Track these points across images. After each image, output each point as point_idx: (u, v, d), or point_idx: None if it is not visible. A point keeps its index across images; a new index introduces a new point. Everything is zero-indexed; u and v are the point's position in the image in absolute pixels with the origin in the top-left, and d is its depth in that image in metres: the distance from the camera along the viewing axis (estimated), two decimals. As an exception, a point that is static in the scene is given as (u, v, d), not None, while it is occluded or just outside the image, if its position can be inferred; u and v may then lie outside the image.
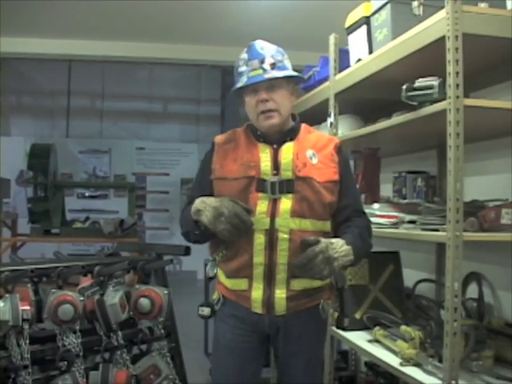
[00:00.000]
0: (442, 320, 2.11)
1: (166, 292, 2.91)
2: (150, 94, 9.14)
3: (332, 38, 3.07)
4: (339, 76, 2.98)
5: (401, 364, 2.28)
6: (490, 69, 2.51)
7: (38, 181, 5.80)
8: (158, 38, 6.47)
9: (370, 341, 2.67)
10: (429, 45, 2.12)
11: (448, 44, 1.97)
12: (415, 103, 2.20)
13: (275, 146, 2.19)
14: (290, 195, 2.11)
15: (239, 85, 2.18)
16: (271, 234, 2.11)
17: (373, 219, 2.61)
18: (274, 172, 2.13)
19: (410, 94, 2.18)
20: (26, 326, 2.47)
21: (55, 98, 8.91)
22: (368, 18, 2.69)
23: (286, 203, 2.11)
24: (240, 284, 2.18)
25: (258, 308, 2.16)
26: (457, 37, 1.96)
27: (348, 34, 2.91)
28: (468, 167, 2.19)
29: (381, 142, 3.00)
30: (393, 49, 2.40)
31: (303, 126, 2.31)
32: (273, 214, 2.11)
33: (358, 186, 2.87)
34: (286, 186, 2.11)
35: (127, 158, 9.12)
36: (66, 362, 2.59)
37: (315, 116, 3.36)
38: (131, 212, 6.18)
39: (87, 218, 6.43)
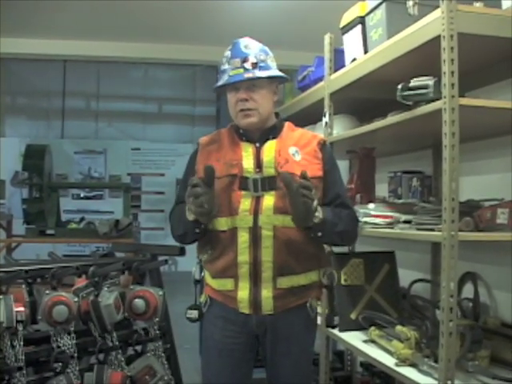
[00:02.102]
0: (437, 320, 2.11)
1: (160, 293, 2.90)
2: (145, 94, 9.10)
3: (327, 38, 3.07)
4: (334, 76, 2.98)
5: (396, 364, 2.28)
6: (485, 68, 2.51)
7: (33, 182, 5.78)
8: (152, 38, 6.46)
9: (365, 341, 2.67)
10: (424, 44, 2.12)
11: (443, 43, 1.97)
12: (410, 103, 2.20)
13: (257, 145, 2.21)
14: (273, 192, 2.12)
15: (220, 83, 2.21)
16: (255, 232, 2.12)
17: (368, 219, 2.61)
18: (257, 170, 2.16)
19: (405, 93, 2.18)
20: (20, 328, 2.46)
21: (50, 99, 8.88)
22: (363, 17, 2.69)
23: (268, 200, 2.12)
24: (226, 284, 2.18)
25: (245, 308, 2.16)
26: (452, 36, 1.95)
27: (343, 33, 2.91)
28: (463, 167, 2.19)
29: (376, 142, 3.00)
30: (388, 48, 2.39)
31: (287, 124, 2.33)
32: (256, 211, 2.12)
33: (346, 185, 2.89)
34: (269, 183, 2.13)
35: (122, 159, 9.09)
36: (60, 364, 2.58)
37: (310, 116, 3.36)
38: (126, 212, 6.16)
39: (82, 219, 6.41)
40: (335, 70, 3.01)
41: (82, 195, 8.88)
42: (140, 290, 2.91)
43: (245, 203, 2.13)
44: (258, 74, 2.16)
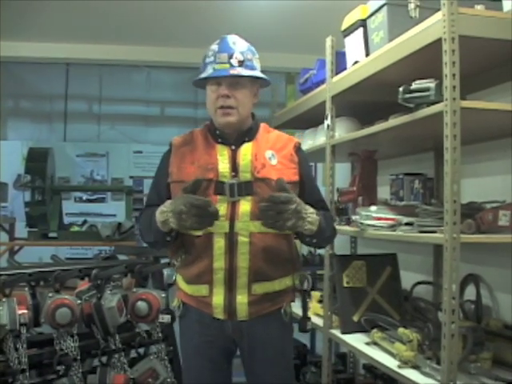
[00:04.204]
0: (439, 322, 2.11)
1: (163, 295, 2.91)
2: (147, 97, 9.10)
3: (329, 41, 3.07)
4: (336, 78, 2.98)
5: (399, 366, 2.28)
6: (486, 70, 2.51)
7: (35, 185, 5.77)
8: (155, 42, 6.46)
9: (368, 343, 2.67)
10: (425, 47, 2.12)
11: (444, 46, 1.97)
12: (412, 105, 2.19)
13: (233, 147, 2.18)
14: (249, 197, 2.10)
15: (203, 75, 2.18)
16: (231, 238, 2.10)
17: (370, 221, 2.61)
18: (233, 174, 2.12)
19: (406, 96, 2.18)
20: (24, 330, 2.47)
21: (53, 102, 8.87)
22: (364, 20, 2.69)
23: (245, 206, 2.10)
24: (200, 290, 2.15)
25: (219, 314, 2.14)
26: (453, 39, 1.95)
27: (344, 36, 2.91)
28: (465, 169, 2.19)
29: (378, 145, 3.00)
30: (389, 51, 2.40)
31: (262, 125, 2.31)
32: (232, 217, 2.10)
33: (348, 188, 2.89)
34: (245, 188, 2.10)
35: (125, 162, 9.08)
36: (63, 366, 2.59)
37: (312, 118, 3.37)
38: (128, 215, 6.16)
39: (85, 222, 6.41)
40: (337, 73, 3.01)
41: (84, 198, 8.87)
42: (143, 292, 2.92)
43: (221, 208, 2.08)
44: (244, 72, 2.14)
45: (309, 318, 2.34)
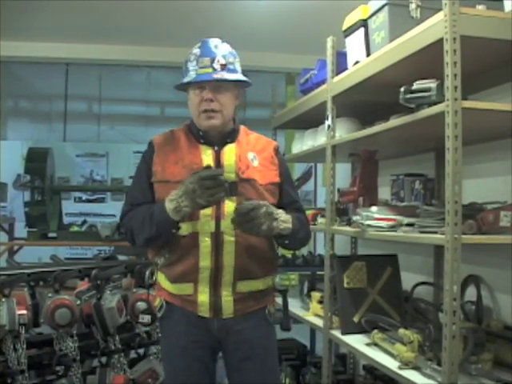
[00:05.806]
0: (440, 323, 2.10)
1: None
2: (147, 97, 9.11)
3: (329, 41, 3.06)
4: (337, 79, 2.98)
5: (399, 367, 2.27)
6: (488, 71, 2.50)
7: (35, 185, 5.78)
8: (155, 42, 6.46)
9: (368, 344, 2.66)
10: (427, 47, 2.12)
11: (446, 46, 1.96)
12: (413, 105, 2.19)
13: (216, 148, 2.20)
14: (234, 198, 2.12)
15: (186, 80, 2.18)
16: (217, 237, 2.12)
17: (371, 222, 2.60)
18: None
19: (407, 96, 2.18)
20: (23, 331, 2.47)
21: (52, 102, 8.88)
22: (365, 20, 2.68)
23: (230, 206, 2.12)
24: (185, 289, 2.16)
25: (204, 312, 2.15)
26: (455, 39, 1.95)
27: (345, 36, 2.90)
28: (466, 170, 2.18)
29: (379, 145, 2.99)
30: (390, 51, 2.39)
31: (242, 127, 2.34)
32: (218, 216, 2.12)
33: (349, 188, 2.96)
34: (230, 189, 2.10)
35: (124, 162, 9.08)
36: (63, 367, 2.59)
37: (313, 119, 3.36)
38: (128, 216, 6.15)
39: (84, 222, 6.41)
40: (338, 73, 3.00)
41: (83, 198, 8.88)
42: (142, 293, 2.91)
43: (206, 208, 2.09)
44: (227, 76, 2.16)
45: (290, 317, 2.38)
